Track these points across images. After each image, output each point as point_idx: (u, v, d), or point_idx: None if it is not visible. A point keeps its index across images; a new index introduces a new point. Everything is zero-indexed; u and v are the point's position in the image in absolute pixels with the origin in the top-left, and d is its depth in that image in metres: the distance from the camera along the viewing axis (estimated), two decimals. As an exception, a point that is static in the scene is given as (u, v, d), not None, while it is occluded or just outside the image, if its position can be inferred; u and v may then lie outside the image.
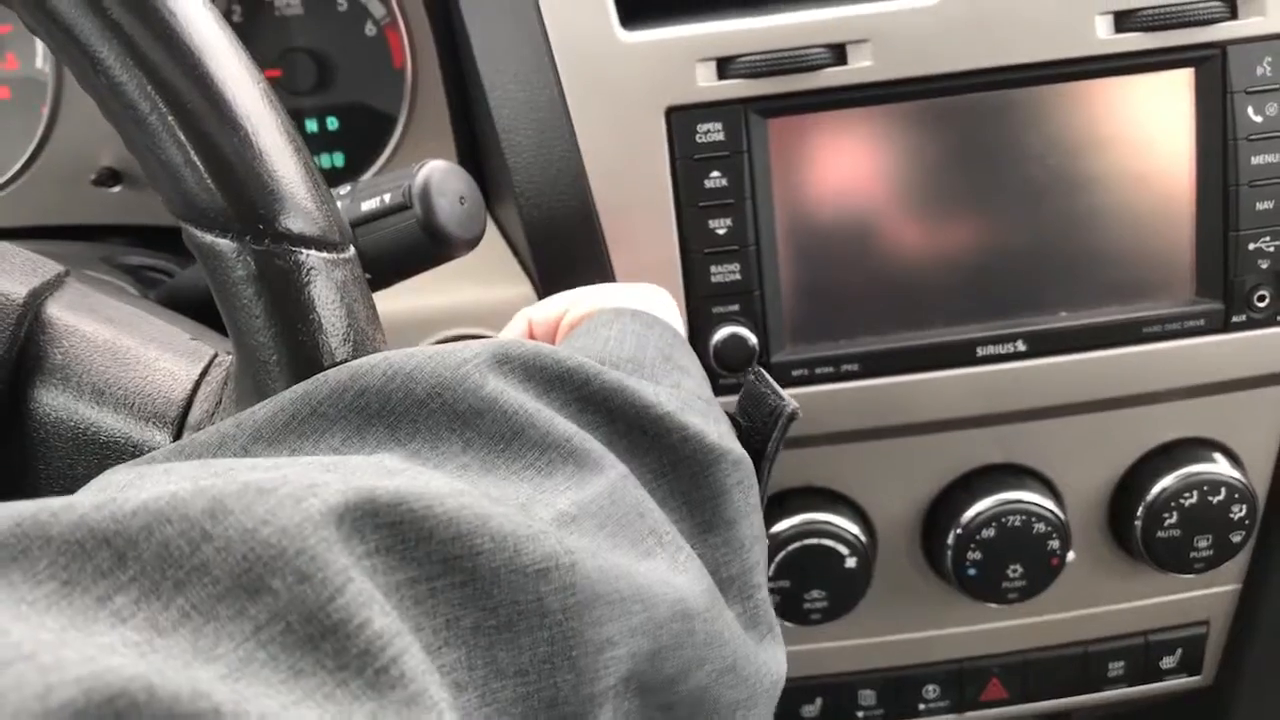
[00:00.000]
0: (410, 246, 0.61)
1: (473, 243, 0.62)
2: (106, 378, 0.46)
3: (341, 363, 0.42)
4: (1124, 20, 0.71)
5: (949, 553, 0.79)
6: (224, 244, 0.40)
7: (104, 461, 0.46)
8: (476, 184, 0.63)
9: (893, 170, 0.73)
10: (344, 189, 0.63)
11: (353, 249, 0.44)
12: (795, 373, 0.75)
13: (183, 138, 0.39)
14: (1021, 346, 0.75)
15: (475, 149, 0.84)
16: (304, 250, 0.41)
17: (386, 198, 0.60)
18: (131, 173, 0.87)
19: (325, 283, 0.41)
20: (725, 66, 0.71)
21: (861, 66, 0.72)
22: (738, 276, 0.73)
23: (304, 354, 0.41)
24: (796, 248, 0.74)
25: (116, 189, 0.87)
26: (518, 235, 0.76)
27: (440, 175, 0.60)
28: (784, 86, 0.72)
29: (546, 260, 0.74)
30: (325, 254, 0.42)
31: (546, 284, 0.75)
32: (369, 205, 0.61)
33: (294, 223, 0.41)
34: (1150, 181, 0.74)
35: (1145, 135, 0.74)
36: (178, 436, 0.45)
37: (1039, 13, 0.71)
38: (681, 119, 0.72)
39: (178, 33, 0.39)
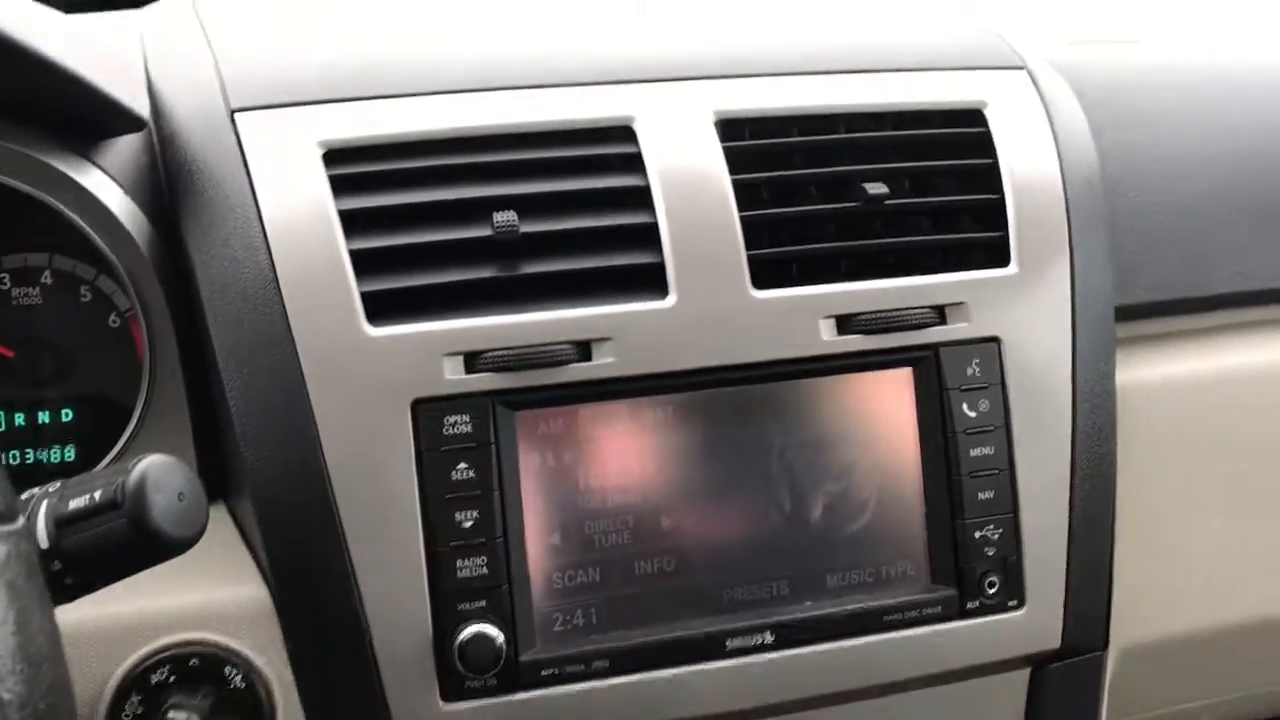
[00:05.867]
0: (120, 547, 0.57)
1: (190, 541, 0.58)
2: None
3: None
4: (845, 324, 0.77)
5: None
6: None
7: None
8: (201, 480, 0.60)
9: (639, 463, 0.74)
10: (53, 486, 0.59)
11: (22, 521, 0.40)
12: (545, 672, 0.72)
13: None
14: (769, 638, 0.75)
15: (215, 443, 0.81)
16: None
17: (97, 495, 0.57)
18: None
19: None
20: (473, 361, 0.72)
21: (605, 363, 0.74)
22: (485, 571, 0.71)
23: None
24: (545, 541, 0.73)
25: None
26: (253, 531, 0.73)
27: (157, 470, 0.57)
28: (531, 380, 0.73)
29: (281, 557, 0.71)
30: None
31: (280, 581, 0.71)
32: (77, 503, 0.57)
33: None
34: (882, 474, 0.78)
35: (875, 430, 0.78)
36: None
37: (768, 315, 0.76)
38: (428, 411, 0.72)
39: None
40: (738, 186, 0.78)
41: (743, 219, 0.77)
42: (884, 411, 0.78)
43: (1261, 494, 0.89)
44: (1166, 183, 0.90)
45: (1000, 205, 0.81)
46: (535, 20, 0.93)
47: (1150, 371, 0.87)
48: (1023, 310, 0.80)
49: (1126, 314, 0.86)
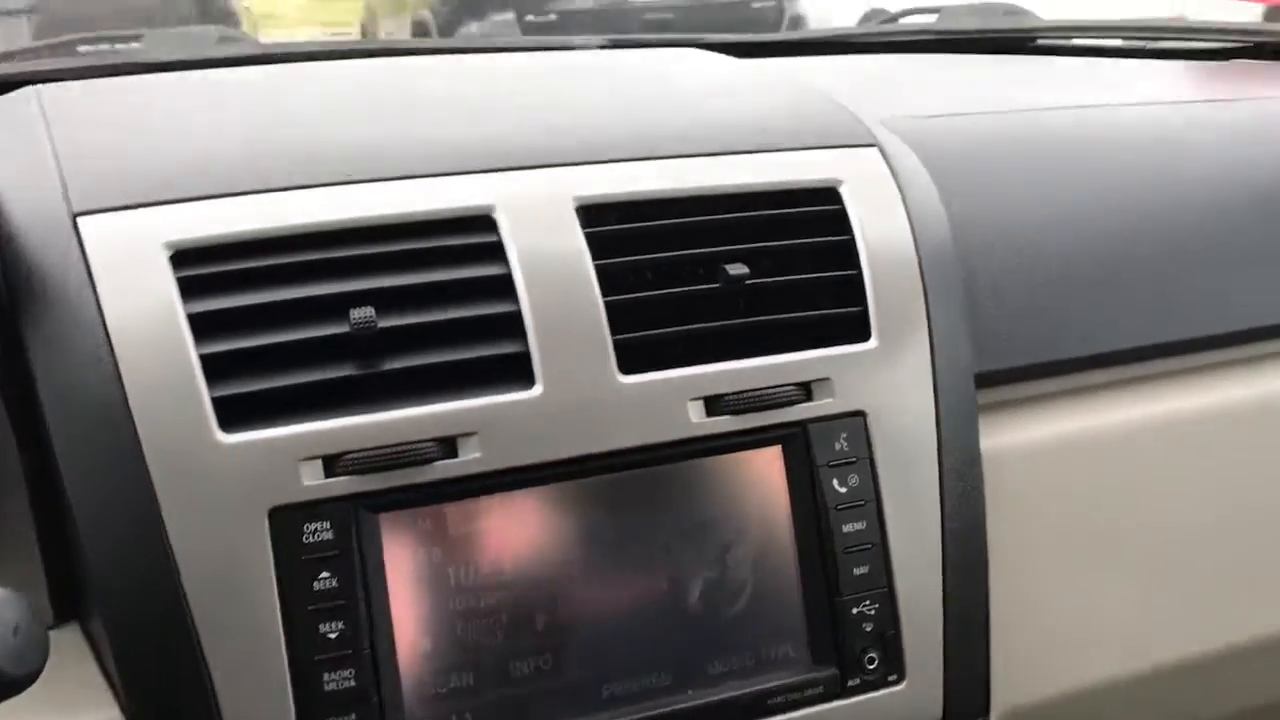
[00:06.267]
0: (-50, 689, 0.53)
1: (28, 679, 0.55)
2: None
3: None
4: (714, 405, 0.77)
5: None
6: None
7: None
8: (52, 600, 0.57)
9: (510, 560, 0.73)
10: None
11: None
12: (420, 784, 0.70)
13: None
14: (652, 732, 0.73)
15: (65, 560, 0.77)
16: None
17: (-80, 635, 0.53)
18: None
19: None
20: (332, 464, 0.70)
21: (471, 458, 0.72)
22: (353, 683, 0.69)
23: None
24: (416, 647, 0.71)
25: None
26: (106, 652, 0.69)
27: (-13, 605, 0.54)
28: (394, 481, 0.71)
29: (135, 677, 0.67)
30: None
31: (135, 704, 0.67)
32: (-103, 647, 0.53)
33: None
34: (758, 554, 0.77)
35: (749, 510, 0.77)
36: None
37: (636, 400, 0.75)
38: (286, 519, 0.69)
39: None
40: (601, 271, 0.77)
41: (607, 304, 0.76)
42: (757, 491, 0.78)
43: (1132, 549, 0.91)
44: (1019, 249, 0.92)
45: (858, 281, 0.82)
46: (389, 109, 0.92)
47: (1016, 435, 0.89)
48: (885, 383, 0.81)
49: (988, 380, 0.88)
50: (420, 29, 7.64)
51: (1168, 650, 0.91)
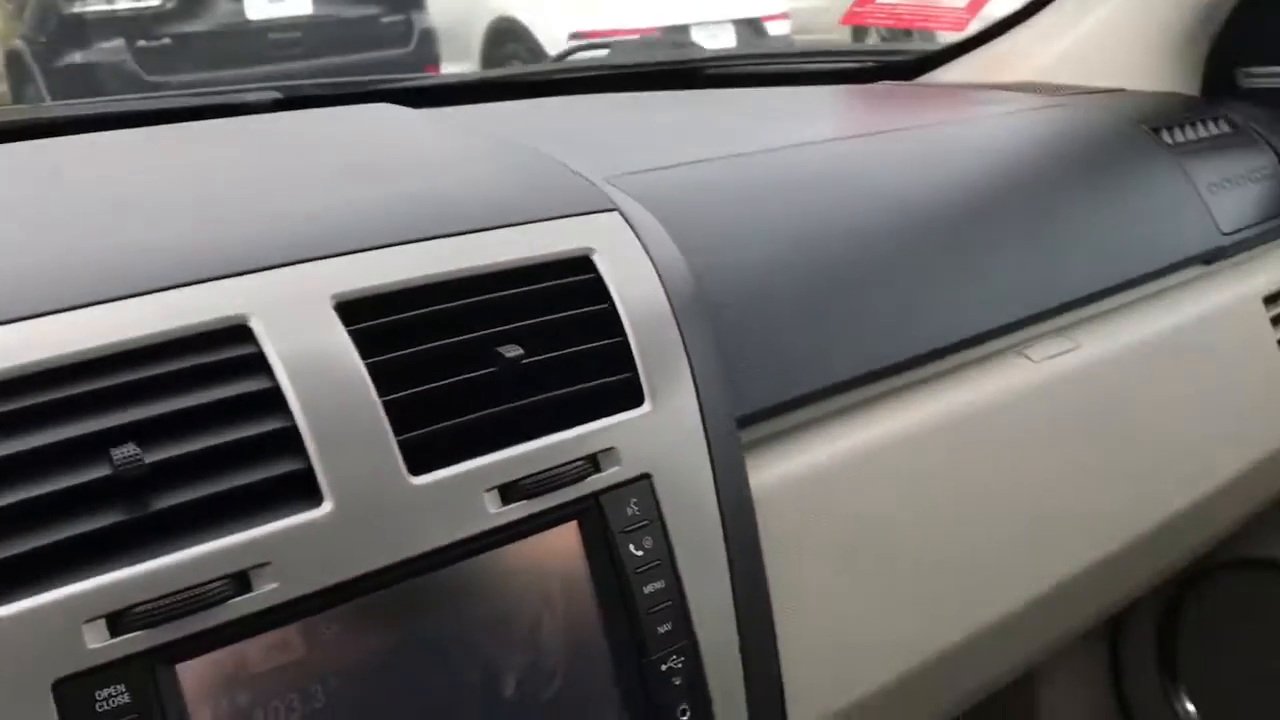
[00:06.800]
0: None
1: None
2: None
3: None
4: (509, 493, 0.76)
5: None
6: None
7: None
8: None
9: (321, 685, 0.69)
10: None
11: None
12: None
13: None
14: (493, 831, 0.72)
15: None
16: None
17: None
18: None
19: None
20: (117, 621, 0.64)
21: (266, 590, 0.68)
22: None
23: None
24: (235, 799, 0.66)
25: None
26: None
27: None
28: (188, 629, 0.66)
29: None
30: None
31: None
32: None
33: None
34: (568, 631, 0.78)
35: (554, 590, 0.78)
36: None
37: (430, 501, 0.74)
38: (74, 690, 0.63)
39: None
40: (373, 370, 0.75)
41: (385, 403, 0.74)
42: (559, 569, 0.78)
43: (902, 552, 0.98)
44: (756, 292, 0.97)
45: (625, 347, 0.84)
46: (95, 211, 0.84)
47: (776, 469, 0.93)
48: (663, 442, 0.83)
49: (747, 421, 0.92)
50: (15, 61, 6.97)
51: (934, 641, 0.99)
